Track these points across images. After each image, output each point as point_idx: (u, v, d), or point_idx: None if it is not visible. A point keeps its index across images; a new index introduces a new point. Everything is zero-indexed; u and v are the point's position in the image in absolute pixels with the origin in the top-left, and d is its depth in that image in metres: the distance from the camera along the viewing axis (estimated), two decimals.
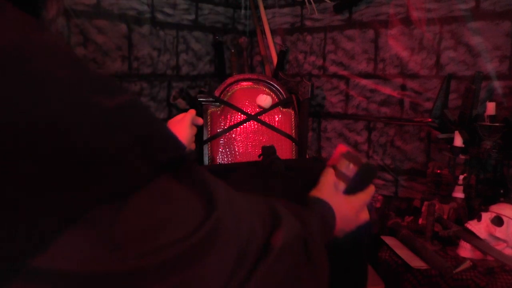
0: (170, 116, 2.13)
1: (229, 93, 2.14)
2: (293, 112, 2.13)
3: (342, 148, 0.79)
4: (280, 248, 0.40)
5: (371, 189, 0.74)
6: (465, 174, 1.57)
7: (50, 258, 0.27)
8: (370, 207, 1.80)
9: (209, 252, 0.32)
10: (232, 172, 1.02)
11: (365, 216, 0.72)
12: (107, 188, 0.29)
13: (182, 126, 0.92)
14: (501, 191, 1.54)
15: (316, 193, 0.69)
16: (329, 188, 0.70)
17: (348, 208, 0.69)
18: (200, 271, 0.32)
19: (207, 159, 2.02)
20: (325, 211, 0.63)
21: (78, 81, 0.30)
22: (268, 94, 2.10)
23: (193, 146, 1.01)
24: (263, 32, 2.43)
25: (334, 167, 0.76)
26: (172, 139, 0.34)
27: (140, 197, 0.30)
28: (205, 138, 2.05)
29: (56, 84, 0.29)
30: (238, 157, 2.05)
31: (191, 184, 0.34)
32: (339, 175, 0.75)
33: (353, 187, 0.74)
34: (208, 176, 0.36)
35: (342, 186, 0.74)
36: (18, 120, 0.27)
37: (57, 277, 0.28)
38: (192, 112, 0.97)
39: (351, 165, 0.75)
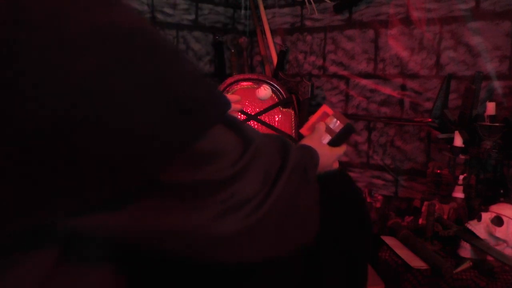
0: None
1: (229, 93, 2.14)
2: (293, 112, 2.13)
3: (326, 108, 1.02)
4: (291, 169, 0.53)
5: (344, 147, 0.96)
6: (465, 174, 1.57)
7: (172, 173, 0.41)
8: (370, 207, 1.80)
9: (249, 172, 0.46)
10: None
11: (336, 165, 0.94)
12: (197, 124, 0.42)
13: None
14: (501, 191, 1.54)
15: (305, 141, 0.89)
16: (316, 140, 0.90)
17: (328, 155, 0.89)
18: (243, 184, 0.46)
19: None
20: (313, 153, 0.80)
21: (177, 51, 0.43)
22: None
23: None
24: (263, 32, 2.43)
25: (326, 123, 0.96)
26: (225, 98, 0.47)
27: (212, 133, 0.43)
28: None
29: (173, 54, 0.41)
30: None
31: (236, 129, 0.48)
32: (327, 129, 0.96)
33: (336, 140, 0.95)
34: (243, 123, 0.50)
35: (327, 138, 0.94)
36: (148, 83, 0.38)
37: (175, 186, 0.42)
38: None
39: (338, 122, 0.96)
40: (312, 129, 0.98)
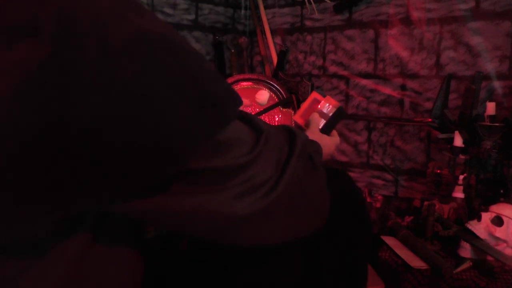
0: None
1: None
2: (293, 112, 2.13)
3: (316, 94, 1.11)
4: (298, 154, 0.58)
5: (338, 137, 1.05)
6: (465, 174, 1.57)
7: (197, 161, 0.46)
8: (370, 207, 1.80)
9: (262, 158, 0.52)
10: None
11: (335, 153, 1.03)
12: (220, 119, 0.48)
13: None
14: (501, 191, 1.54)
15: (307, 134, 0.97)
16: (315, 132, 0.98)
17: (329, 144, 0.97)
18: (257, 169, 0.52)
19: None
20: (314, 142, 0.88)
21: (198, 53, 0.47)
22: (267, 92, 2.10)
23: None
24: (263, 32, 2.43)
25: (318, 109, 1.06)
26: (238, 95, 0.52)
27: (231, 126, 0.49)
28: None
29: (195, 56, 0.46)
30: None
31: (247, 121, 0.54)
32: (321, 114, 1.05)
33: (330, 123, 1.04)
34: (253, 116, 0.56)
35: (322, 122, 1.03)
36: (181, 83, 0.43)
37: (200, 172, 0.47)
38: None
39: (330, 106, 1.05)
40: (305, 116, 1.08)
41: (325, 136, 0.99)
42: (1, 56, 0.34)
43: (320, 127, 1.03)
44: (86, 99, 0.37)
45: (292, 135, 0.62)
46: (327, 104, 1.06)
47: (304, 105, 1.11)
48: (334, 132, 1.06)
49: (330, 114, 1.05)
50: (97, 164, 0.40)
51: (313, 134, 0.96)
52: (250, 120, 0.55)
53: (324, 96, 1.09)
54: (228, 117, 0.49)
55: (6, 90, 0.34)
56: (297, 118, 1.11)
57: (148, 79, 0.39)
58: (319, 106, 1.06)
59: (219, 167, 0.48)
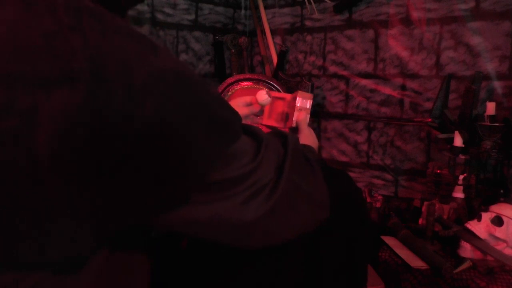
0: None
1: (229, 93, 2.14)
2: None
3: (275, 94, 1.14)
4: (292, 150, 0.63)
5: (312, 130, 1.09)
6: (465, 174, 1.57)
7: (220, 172, 0.52)
8: (370, 207, 1.80)
9: (264, 163, 0.57)
10: None
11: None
12: (230, 138, 0.54)
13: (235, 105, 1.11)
14: (501, 191, 1.54)
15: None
16: (306, 132, 1.04)
17: (316, 142, 1.04)
18: (261, 172, 0.57)
19: None
20: (309, 146, 0.93)
21: (205, 81, 0.53)
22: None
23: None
24: (263, 32, 2.43)
25: (301, 108, 1.09)
26: (239, 115, 0.58)
27: (240, 139, 0.55)
28: None
29: (204, 84, 0.51)
30: None
31: (247, 132, 0.59)
32: (304, 110, 1.08)
33: (310, 114, 1.09)
34: (251, 125, 0.61)
35: (307, 118, 1.07)
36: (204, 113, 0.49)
37: (213, 183, 0.52)
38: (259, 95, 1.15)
39: (307, 101, 1.09)
40: (272, 115, 1.14)
41: (309, 136, 1.05)
42: (42, 102, 0.39)
43: (308, 120, 1.07)
44: (116, 133, 0.43)
45: (284, 138, 0.67)
46: (303, 99, 1.09)
47: (266, 107, 1.14)
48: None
49: (309, 107, 1.09)
50: (136, 185, 0.46)
51: (306, 137, 1.01)
52: (249, 131, 0.60)
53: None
54: (236, 134, 0.55)
55: (50, 133, 0.40)
56: (266, 121, 1.14)
57: (166, 111, 0.45)
58: (298, 104, 1.09)
59: (228, 177, 0.53)
